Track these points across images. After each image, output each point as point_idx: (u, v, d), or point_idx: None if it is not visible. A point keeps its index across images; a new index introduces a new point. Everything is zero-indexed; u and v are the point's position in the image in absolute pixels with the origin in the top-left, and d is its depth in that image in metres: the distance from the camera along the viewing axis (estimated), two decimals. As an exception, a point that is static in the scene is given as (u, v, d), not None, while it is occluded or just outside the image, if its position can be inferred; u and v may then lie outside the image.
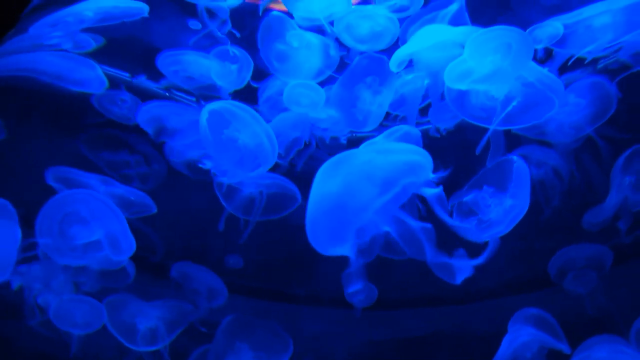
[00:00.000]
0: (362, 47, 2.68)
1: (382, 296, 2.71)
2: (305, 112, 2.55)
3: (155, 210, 2.46)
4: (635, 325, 2.35)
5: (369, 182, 1.88)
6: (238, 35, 2.80)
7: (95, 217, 2.07)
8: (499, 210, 2.09)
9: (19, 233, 2.05)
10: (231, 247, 2.86)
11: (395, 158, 1.94)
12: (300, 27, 2.68)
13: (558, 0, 2.76)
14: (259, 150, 2.24)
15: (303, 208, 2.61)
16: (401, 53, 2.31)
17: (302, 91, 2.54)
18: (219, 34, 2.79)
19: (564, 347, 2.32)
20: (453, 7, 2.39)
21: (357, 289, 2.02)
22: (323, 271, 2.91)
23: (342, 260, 2.92)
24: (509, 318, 2.52)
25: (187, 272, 2.89)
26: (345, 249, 1.94)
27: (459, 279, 1.95)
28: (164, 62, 2.70)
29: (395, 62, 2.34)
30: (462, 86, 2.16)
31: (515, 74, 2.12)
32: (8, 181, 2.57)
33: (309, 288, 3.01)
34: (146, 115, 2.67)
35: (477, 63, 2.12)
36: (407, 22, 2.50)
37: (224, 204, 2.54)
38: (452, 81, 2.15)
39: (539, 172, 2.91)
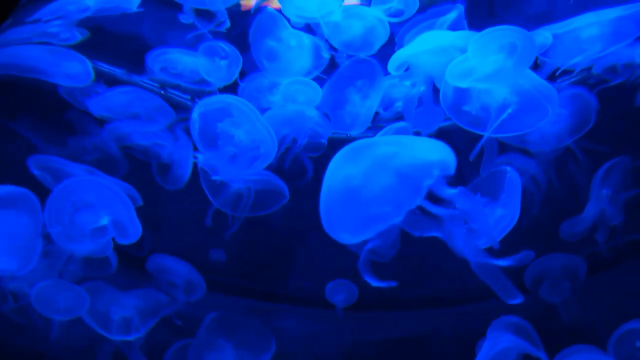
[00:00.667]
0: (351, 48, 2.68)
1: (371, 296, 2.72)
2: (301, 109, 2.53)
3: (140, 203, 2.41)
4: (614, 336, 2.40)
5: (391, 175, 1.85)
6: (224, 30, 2.77)
7: (102, 202, 2.04)
8: (490, 220, 2.11)
9: (41, 222, 2.00)
10: (215, 243, 2.83)
11: (421, 153, 1.90)
12: (293, 26, 2.67)
13: (542, 9, 2.80)
14: (255, 147, 2.21)
15: (290, 205, 2.62)
16: (400, 55, 2.31)
17: (299, 88, 2.53)
18: (205, 30, 2.76)
19: (543, 356, 2.35)
20: (452, 15, 2.39)
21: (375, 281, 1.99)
22: (306, 270, 2.91)
23: (324, 259, 2.93)
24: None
25: (164, 264, 2.86)
26: (358, 238, 1.91)
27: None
28: (152, 61, 2.66)
29: (393, 64, 2.34)
30: (463, 84, 2.14)
31: (517, 75, 2.11)
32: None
33: (292, 287, 3.00)
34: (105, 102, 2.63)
35: (479, 62, 2.11)
36: (405, 29, 2.50)
37: (210, 199, 2.50)
38: (454, 79, 2.14)
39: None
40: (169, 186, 2.63)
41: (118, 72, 2.79)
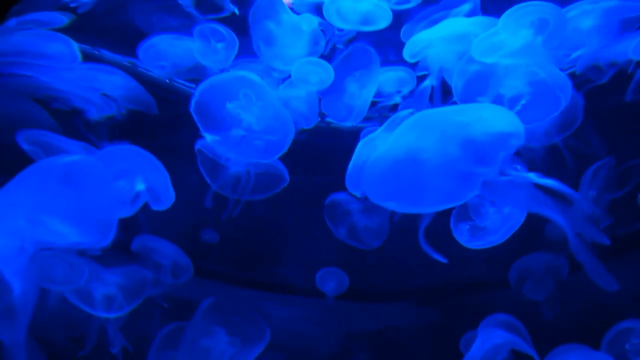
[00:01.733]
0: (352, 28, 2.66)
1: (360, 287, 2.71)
2: (313, 90, 2.48)
3: None
4: (607, 337, 2.44)
5: (463, 146, 1.74)
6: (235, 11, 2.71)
7: (138, 169, 1.96)
8: (497, 218, 2.10)
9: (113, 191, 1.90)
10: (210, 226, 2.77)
11: (495, 123, 1.77)
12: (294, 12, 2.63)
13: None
14: (269, 133, 2.14)
15: (288, 189, 2.57)
16: (417, 40, 2.27)
17: (312, 68, 2.48)
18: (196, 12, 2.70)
19: (534, 353, 2.38)
20: (466, 7, 2.36)
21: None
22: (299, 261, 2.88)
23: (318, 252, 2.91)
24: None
25: (150, 245, 2.78)
26: (408, 209, 1.82)
27: None
28: (145, 55, 2.58)
29: (409, 51, 2.30)
30: (489, 59, 2.07)
31: (546, 52, 2.06)
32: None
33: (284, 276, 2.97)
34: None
35: (509, 35, 2.04)
36: (416, 20, 2.46)
37: (208, 181, 2.44)
38: (480, 53, 2.07)
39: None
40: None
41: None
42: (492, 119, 1.77)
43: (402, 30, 2.71)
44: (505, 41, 2.05)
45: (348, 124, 2.81)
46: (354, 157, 2.48)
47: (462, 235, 2.14)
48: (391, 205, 1.81)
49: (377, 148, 1.83)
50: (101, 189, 1.72)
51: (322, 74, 2.48)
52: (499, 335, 2.42)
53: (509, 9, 2.05)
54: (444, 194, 1.77)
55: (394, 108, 2.84)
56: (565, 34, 2.11)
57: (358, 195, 2.57)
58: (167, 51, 2.66)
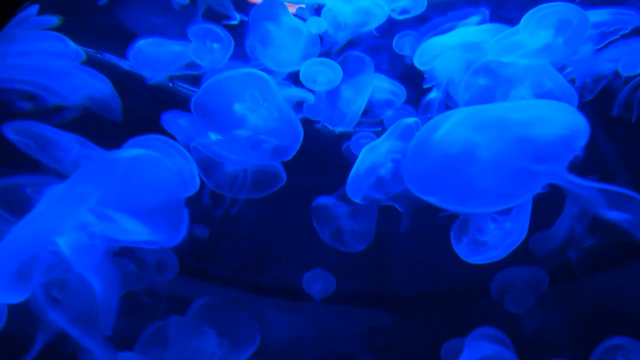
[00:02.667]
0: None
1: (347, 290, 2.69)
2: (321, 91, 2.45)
3: None
4: (596, 353, 2.47)
5: (519, 146, 1.65)
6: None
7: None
8: (498, 234, 2.11)
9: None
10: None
11: (562, 122, 1.67)
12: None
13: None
14: (274, 136, 2.09)
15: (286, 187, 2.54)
16: (428, 47, 2.25)
17: (320, 69, 2.45)
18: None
19: (521, 366, 2.40)
20: (474, 19, 2.36)
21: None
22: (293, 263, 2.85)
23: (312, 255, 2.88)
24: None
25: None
26: (452, 206, 1.76)
27: None
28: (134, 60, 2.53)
29: (420, 58, 2.28)
30: (507, 59, 2.04)
31: (566, 53, 2.04)
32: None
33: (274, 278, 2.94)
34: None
35: (530, 35, 2.02)
36: (423, 30, 2.45)
37: (203, 178, 2.38)
38: (499, 52, 2.04)
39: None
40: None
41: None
42: (555, 118, 1.70)
43: (394, 40, 2.72)
44: (525, 40, 2.04)
45: (341, 129, 2.80)
46: (356, 164, 2.47)
47: (463, 249, 2.14)
48: (434, 201, 1.72)
49: (417, 139, 1.75)
50: (169, 184, 1.63)
51: (331, 74, 2.46)
52: (487, 347, 2.44)
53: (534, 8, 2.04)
54: (499, 194, 1.70)
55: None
56: (585, 37, 2.10)
57: (358, 201, 2.57)
58: (158, 55, 2.61)
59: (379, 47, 2.80)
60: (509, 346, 2.49)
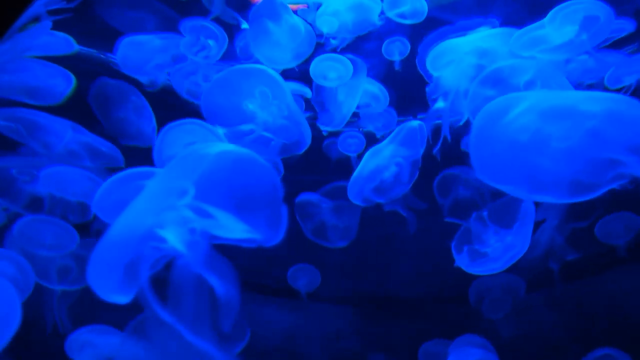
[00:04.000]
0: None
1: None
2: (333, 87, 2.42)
3: (123, 164, 2.23)
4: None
5: (593, 138, 1.57)
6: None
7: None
8: (499, 247, 2.12)
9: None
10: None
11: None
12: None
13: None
14: (283, 134, 2.05)
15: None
16: (441, 50, 2.23)
17: (331, 64, 2.41)
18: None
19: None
20: (483, 30, 2.35)
21: None
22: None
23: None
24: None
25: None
26: (516, 192, 1.71)
27: None
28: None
29: (433, 64, 2.27)
30: (528, 53, 2.03)
31: (588, 48, 2.03)
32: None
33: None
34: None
35: (555, 30, 2.01)
36: (432, 38, 2.44)
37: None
38: (520, 47, 2.04)
39: (465, 193, 3.01)
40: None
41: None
42: (628, 113, 1.62)
43: (383, 46, 2.74)
44: (549, 35, 2.03)
45: (332, 128, 2.79)
46: (360, 167, 2.45)
47: (463, 259, 2.15)
48: (508, 189, 1.67)
49: (483, 122, 1.68)
50: (266, 181, 1.54)
51: (342, 69, 2.43)
52: (474, 352, 2.46)
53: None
54: (575, 185, 1.64)
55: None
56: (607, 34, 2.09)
57: (359, 203, 2.55)
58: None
59: (369, 51, 2.80)
60: (492, 352, 2.52)
